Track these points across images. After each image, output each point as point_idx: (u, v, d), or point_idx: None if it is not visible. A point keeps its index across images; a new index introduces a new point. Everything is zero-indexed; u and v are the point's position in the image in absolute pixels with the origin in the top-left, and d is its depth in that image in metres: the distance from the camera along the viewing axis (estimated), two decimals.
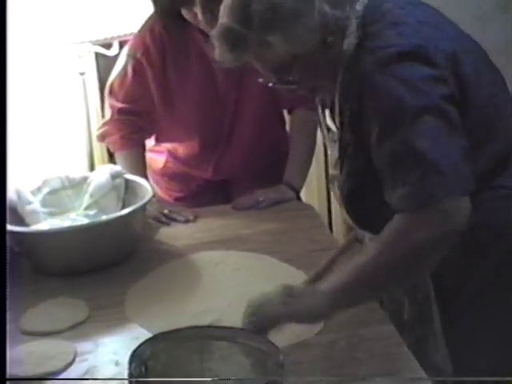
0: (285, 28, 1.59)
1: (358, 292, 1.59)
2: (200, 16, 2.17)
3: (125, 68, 2.44)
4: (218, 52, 1.65)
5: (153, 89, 2.46)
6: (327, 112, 1.85)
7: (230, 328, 1.58)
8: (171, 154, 2.66)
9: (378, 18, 1.65)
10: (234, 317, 1.70)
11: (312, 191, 3.37)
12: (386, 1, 1.69)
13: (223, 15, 1.64)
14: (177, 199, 2.71)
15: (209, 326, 1.60)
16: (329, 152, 1.92)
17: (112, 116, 2.52)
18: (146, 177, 2.51)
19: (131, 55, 2.42)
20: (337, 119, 1.74)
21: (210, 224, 2.41)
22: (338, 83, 1.68)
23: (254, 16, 1.59)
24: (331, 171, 1.89)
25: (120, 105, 2.50)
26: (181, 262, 2.17)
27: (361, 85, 1.61)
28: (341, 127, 1.73)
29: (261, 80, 1.74)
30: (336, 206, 3.18)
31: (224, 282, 2.04)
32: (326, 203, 3.51)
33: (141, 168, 2.55)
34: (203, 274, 2.09)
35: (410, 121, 1.54)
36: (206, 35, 2.23)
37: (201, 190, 2.68)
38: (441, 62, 1.60)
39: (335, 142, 1.80)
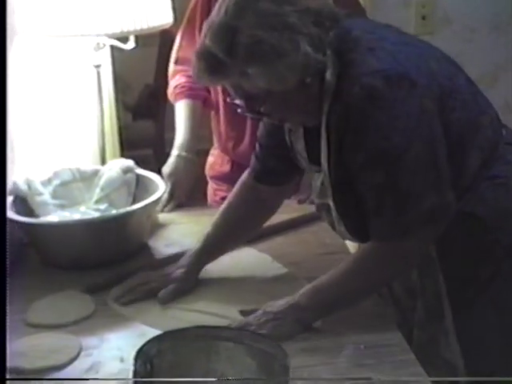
0: (266, 63, 1.62)
1: (327, 308, 1.77)
2: None
3: None
4: (196, 70, 1.68)
5: (197, 37, 2.49)
6: (301, 138, 1.88)
7: (237, 329, 1.58)
8: (215, 139, 2.72)
9: (353, 46, 1.68)
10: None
11: None
12: (352, 28, 1.72)
13: (208, 36, 1.66)
14: (223, 198, 2.71)
15: (216, 327, 1.59)
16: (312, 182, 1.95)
17: (171, 69, 2.64)
18: (194, 130, 2.55)
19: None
20: (324, 151, 1.75)
21: None
22: (325, 114, 1.70)
23: (238, 46, 1.61)
24: (316, 200, 1.92)
25: (175, 56, 2.62)
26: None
27: (351, 117, 1.65)
28: (332, 160, 1.74)
29: (228, 99, 1.77)
30: None
31: (221, 280, 2.04)
32: None
33: (188, 120, 2.56)
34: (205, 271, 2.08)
35: (395, 158, 1.64)
36: None
37: None
38: (424, 82, 1.66)
39: (318, 171, 1.85)
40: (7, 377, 1.56)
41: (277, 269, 2.08)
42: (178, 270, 1.99)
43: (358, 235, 1.83)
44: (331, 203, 1.81)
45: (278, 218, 2.25)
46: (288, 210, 2.37)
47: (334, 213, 1.83)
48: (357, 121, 1.65)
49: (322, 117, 1.71)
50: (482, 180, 1.76)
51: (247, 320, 1.76)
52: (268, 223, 2.21)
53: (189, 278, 1.99)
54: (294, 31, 1.61)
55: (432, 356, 1.83)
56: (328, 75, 1.67)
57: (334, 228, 1.90)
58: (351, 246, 2.22)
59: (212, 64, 1.64)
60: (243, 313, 1.82)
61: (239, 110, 1.75)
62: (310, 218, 2.29)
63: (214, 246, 2.04)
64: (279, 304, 1.77)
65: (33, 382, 1.65)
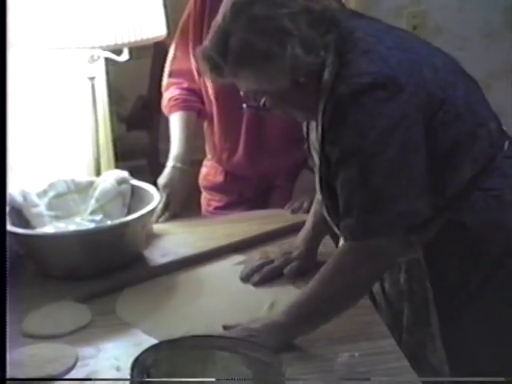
0: (255, 66, 1.69)
1: (309, 323, 1.75)
2: None
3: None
4: (201, 67, 1.77)
5: (191, 48, 2.54)
6: (314, 129, 1.92)
7: (232, 338, 1.59)
8: (209, 150, 2.74)
9: (351, 47, 1.72)
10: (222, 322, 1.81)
11: None
12: (356, 29, 1.75)
13: (209, 38, 1.74)
14: (216, 208, 2.76)
15: (211, 336, 1.60)
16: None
17: (164, 82, 2.66)
18: (188, 141, 2.57)
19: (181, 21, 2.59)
20: (317, 145, 1.80)
21: (215, 232, 2.41)
22: (320, 112, 1.74)
23: (229, 50, 1.68)
24: (318, 195, 1.95)
25: (169, 68, 2.64)
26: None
27: (333, 111, 1.69)
28: (319, 154, 1.80)
29: (242, 93, 1.84)
30: None
31: (217, 287, 2.07)
32: None
33: (183, 131, 2.58)
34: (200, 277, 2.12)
35: (369, 156, 1.66)
36: None
37: (239, 201, 2.73)
38: (411, 89, 1.68)
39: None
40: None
41: None
42: (296, 250, 2.09)
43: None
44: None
45: (270, 227, 2.28)
46: (281, 220, 2.39)
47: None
48: (337, 116, 1.69)
49: (318, 114, 1.75)
50: (474, 190, 1.77)
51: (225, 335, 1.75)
52: (258, 232, 2.29)
53: (309, 255, 2.07)
54: (285, 34, 1.66)
55: (419, 360, 1.85)
56: (326, 74, 1.71)
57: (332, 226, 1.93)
58: None
59: (211, 65, 1.72)
60: (226, 328, 1.81)
61: (244, 105, 1.87)
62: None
63: (321, 221, 2.07)
64: (259, 322, 1.77)
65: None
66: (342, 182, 1.70)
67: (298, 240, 2.14)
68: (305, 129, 2.00)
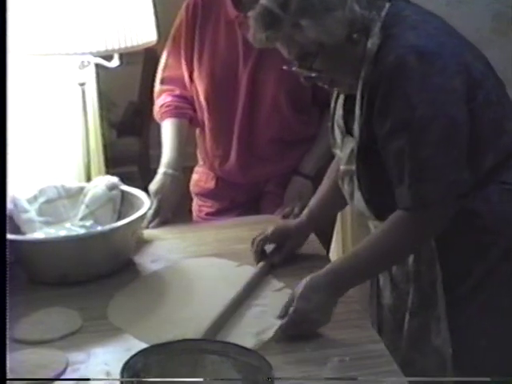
0: (317, 16, 1.76)
1: (352, 280, 1.86)
2: None
3: None
4: (253, 31, 1.83)
5: (182, 55, 2.57)
6: (340, 107, 1.99)
7: (222, 342, 1.60)
8: (201, 157, 2.76)
9: (399, 22, 1.81)
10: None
11: None
12: (405, 8, 1.85)
13: None
14: (208, 214, 2.77)
15: (201, 340, 1.60)
16: (337, 150, 2.03)
17: (156, 89, 2.67)
18: (180, 148, 2.58)
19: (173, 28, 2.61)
20: (357, 114, 1.86)
21: (205, 238, 2.42)
22: (361, 79, 1.82)
23: (291, 1, 1.76)
24: (342, 167, 1.99)
25: (160, 75, 2.65)
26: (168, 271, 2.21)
27: (382, 83, 1.76)
28: (360, 123, 1.85)
29: (285, 67, 1.89)
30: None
31: (207, 292, 2.06)
32: None
33: (175, 138, 2.59)
34: (190, 283, 2.13)
35: (419, 128, 1.74)
36: (240, 10, 2.41)
37: (231, 207, 2.73)
38: (454, 68, 1.75)
39: (351, 137, 1.92)
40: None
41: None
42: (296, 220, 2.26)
43: (372, 206, 1.90)
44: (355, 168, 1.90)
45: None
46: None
47: (354, 180, 1.91)
48: (386, 88, 1.76)
49: (359, 81, 1.82)
50: (490, 182, 1.83)
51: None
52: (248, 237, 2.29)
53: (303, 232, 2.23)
54: None
55: (422, 342, 1.90)
56: (369, 44, 1.79)
57: (351, 198, 1.97)
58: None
59: (268, 19, 1.78)
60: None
61: (293, 68, 1.86)
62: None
63: (325, 202, 2.20)
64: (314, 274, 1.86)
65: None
66: (393, 153, 1.77)
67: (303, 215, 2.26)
68: (332, 104, 2.05)
